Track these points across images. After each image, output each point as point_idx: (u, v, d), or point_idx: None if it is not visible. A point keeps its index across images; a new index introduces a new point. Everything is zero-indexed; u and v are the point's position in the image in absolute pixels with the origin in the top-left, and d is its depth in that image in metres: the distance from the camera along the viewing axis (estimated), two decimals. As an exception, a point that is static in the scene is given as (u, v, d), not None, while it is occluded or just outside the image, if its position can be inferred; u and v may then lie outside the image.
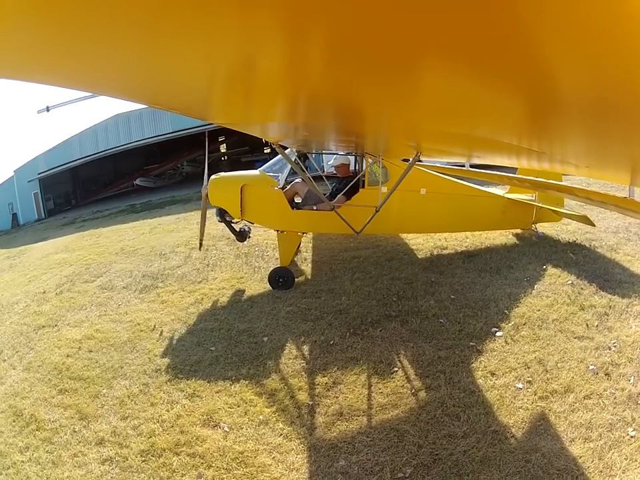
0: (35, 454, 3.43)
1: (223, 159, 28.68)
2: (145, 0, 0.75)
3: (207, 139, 7.21)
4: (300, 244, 6.92)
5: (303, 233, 6.61)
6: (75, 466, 3.25)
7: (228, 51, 1.07)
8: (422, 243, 7.39)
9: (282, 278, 5.98)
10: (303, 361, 4.25)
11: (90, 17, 0.80)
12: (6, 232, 23.96)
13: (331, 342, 4.51)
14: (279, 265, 6.14)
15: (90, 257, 9.50)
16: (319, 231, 7.34)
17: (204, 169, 6.47)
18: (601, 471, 2.78)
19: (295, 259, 6.97)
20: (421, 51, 0.96)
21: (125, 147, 24.16)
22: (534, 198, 6.87)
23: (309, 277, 6.47)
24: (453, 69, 1.07)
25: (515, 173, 6.45)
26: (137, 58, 1.15)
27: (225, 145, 30.62)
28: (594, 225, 6.53)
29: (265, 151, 24.63)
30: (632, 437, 3.02)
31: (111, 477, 3.11)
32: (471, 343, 4.25)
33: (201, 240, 6.62)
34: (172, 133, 22.78)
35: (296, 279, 6.12)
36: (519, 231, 7.40)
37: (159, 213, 15.15)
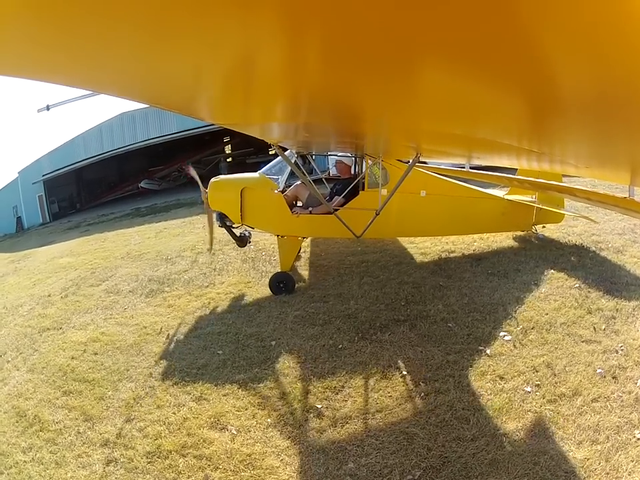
0: (37, 454, 3.42)
1: (227, 160, 28.62)
2: None
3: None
4: (300, 248, 6.89)
5: (303, 238, 6.56)
6: (78, 466, 3.24)
7: (228, 50, 1.07)
8: (429, 247, 7.37)
9: (282, 283, 5.93)
10: (311, 365, 4.23)
11: (91, 14, 0.80)
12: (10, 236, 23.96)
13: (340, 346, 4.49)
14: (279, 270, 6.09)
15: (95, 261, 9.54)
16: (319, 235, 7.28)
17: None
18: (608, 473, 2.77)
19: (296, 263, 6.94)
20: (420, 50, 0.96)
21: (130, 147, 23.95)
22: (534, 199, 6.82)
23: (317, 282, 6.42)
24: (453, 68, 1.07)
25: (514, 174, 6.42)
26: (137, 56, 1.15)
27: (229, 146, 30.58)
28: (596, 222, 6.48)
29: (270, 153, 24.51)
30: (638, 439, 3.00)
31: (116, 478, 3.10)
32: (480, 347, 4.23)
33: (211, 245, 6.62)
34: (177, 133, 22.58)
35: (302, 284, 6.09)
36: (523, 233, 7.37)
37: (164, 216, 15.13)
